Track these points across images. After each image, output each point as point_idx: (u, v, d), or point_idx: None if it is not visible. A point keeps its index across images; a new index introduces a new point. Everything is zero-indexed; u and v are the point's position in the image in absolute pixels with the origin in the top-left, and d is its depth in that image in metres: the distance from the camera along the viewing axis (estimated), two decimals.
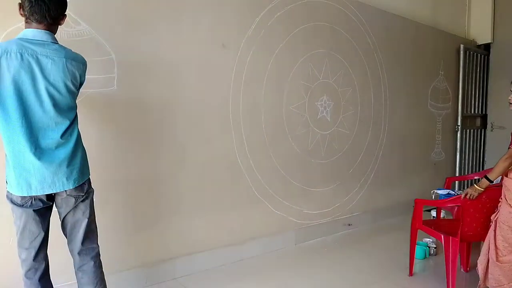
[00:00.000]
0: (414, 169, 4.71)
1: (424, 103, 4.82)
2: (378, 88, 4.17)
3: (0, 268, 2.01)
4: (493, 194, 2.45)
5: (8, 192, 1.57)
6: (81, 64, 1.67)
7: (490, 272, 2.29)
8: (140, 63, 2.48)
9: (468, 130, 5.39)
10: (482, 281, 2.37)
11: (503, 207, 2.28)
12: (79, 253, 1.71)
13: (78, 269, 1.73)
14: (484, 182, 2.41)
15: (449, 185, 3.58)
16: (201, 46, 2.71)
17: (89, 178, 1.77)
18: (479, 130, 5.63)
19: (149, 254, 2.57)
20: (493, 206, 2.43)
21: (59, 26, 1.67)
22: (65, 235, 1.73)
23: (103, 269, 1.82)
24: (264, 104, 3.13)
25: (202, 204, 2.81)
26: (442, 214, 3.43)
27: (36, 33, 1.51)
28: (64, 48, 1.61)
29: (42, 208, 1.60)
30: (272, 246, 3.25)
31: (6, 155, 1.53)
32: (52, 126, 1.53)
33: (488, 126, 5.57)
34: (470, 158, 5.47)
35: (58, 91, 1.54)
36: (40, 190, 1.53)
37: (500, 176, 3.26)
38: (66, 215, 1.68)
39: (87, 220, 1.71)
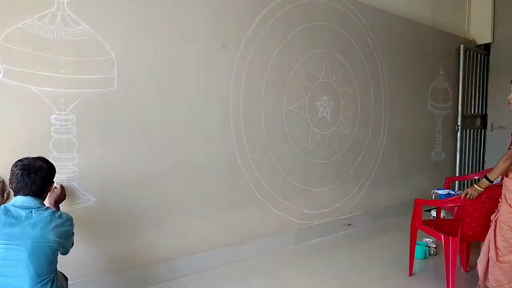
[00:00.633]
0: (414, 169, 4.71)
1: (424, 103, 4.82)
2: (378, 88, 4.17)
3: None
4: (493, 194, 2.45)
5: None
6: (64, 231, 1.67)
7: (490, 272, 2.30)
8: (140, 63, 2.48)
9: (468, 130, 5.39)
10: (482, 281, 2.37)
11: (503, 207, 2.28)
12: None
13: None
14: (484, 182, 2.41)
15: (449, 185, 3.58)
16: (201, 46, 2.71)
17: None
18: (479, 130, 5.63)
19: (149, 254, 2.57)
20: (493, 206, 2.43)
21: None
22: None
23: None
24: (264, 104, 3.13)
25: (202, 204, 2.81)
26: (442, 214, 3.43)
27: (24, 199, 1.62)
28: (51, 214, 1.63)
29: None
30: (272, 246, 3.25)
31: None
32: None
33: (488, 126, 5.57)
34: (470, 158, 5.47)
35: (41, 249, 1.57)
36: None
37: (500, 176, 3.26)
38: None
39: None
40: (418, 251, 3.02)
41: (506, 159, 2.42)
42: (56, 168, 1.81)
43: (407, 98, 4.54)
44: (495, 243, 2.26)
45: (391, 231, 3.89)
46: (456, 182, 5.05)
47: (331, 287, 2.64)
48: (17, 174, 1.62)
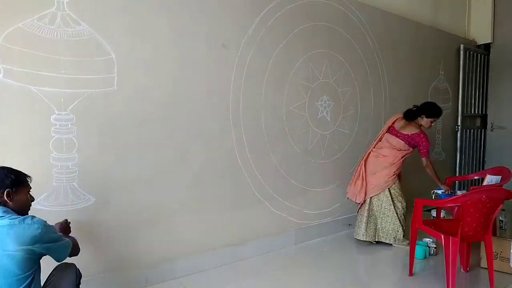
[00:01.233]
0: (414, 169, 4.70)
1: None
2: (378, 88, 4.17)
3: None
4: (493, 194, 2.45)
5: None
6: (30, 236, 1.52)
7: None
8: (140, 63, 2.48)
9: (468, 130, 5.39)
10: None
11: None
12: None
13: None
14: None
15: (449, 185, 3.58)
16: (201, 46, 2.71)
17: None
18: (479, 130, 5.63)
19: (149, 254, 2.57)
20: (493, 206, 2.43)
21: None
22: None
23: None
24: (264, 104, 3.13)
25: (202, 204, 2.81)
26: (442, 214, 3.43)
27: None
28: (11, 222, 1.50)
29: None
30: (272, 246, 3.25)
31: None
32: None
33: (488, 126, 5.57)
34: (470, 158, 5.47)
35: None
36: None
37: (500, 176, 3.26)
38: None
39: None
40: (418, 251, 3.01)
41: (427, 165, 3.39)
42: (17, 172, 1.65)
43: (407, 98, 4.53)
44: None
45: None
46: (456, 182, 5.05)
47: (331, 287, 2.64)
48: None
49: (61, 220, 2.02)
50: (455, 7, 5.41)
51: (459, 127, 5.19)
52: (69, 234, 1.97)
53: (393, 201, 3.35)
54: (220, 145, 2.89)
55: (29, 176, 1.69)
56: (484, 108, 5.64)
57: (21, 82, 2.06)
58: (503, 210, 3.07)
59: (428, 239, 3.22)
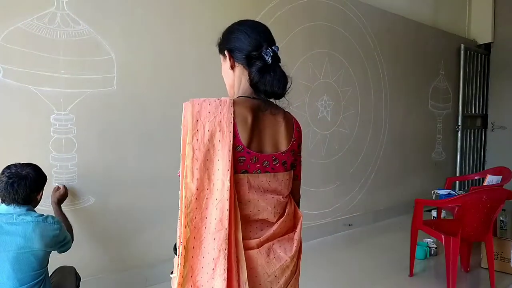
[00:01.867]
0: (414, 169, 4.71)
1: (424, 103, 4.81)
2: (379, 88, 4.17)
3: None
4: (494, 194, 2.44)
5: None
6: (51, 236, 1.60)
7: None
8: (140, 63, 2.47)
9: (468, 130, 5.38)
10: None
11: None
12: None
13: None
14: None
15: (449, 185, 3.58)
16: (201, 45, 2.71)
17: None
18: (480, 130, 5.62)
19: (149, 254, 2.57)
20: (494, 206, 2.42)
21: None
22: None
23: None
24: None
25: None
26: (442, 214, 3.43)
27: (8, 208, 1.58)
28: (35, 220, 1.56)
29: None
30: None
31: None
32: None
33: (489, 126, 5.56)
34: (471, 158, 5.46)
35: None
36: None
37: (501, 176, 3.26)
38: None
39: None
40: (419, 251, 3.01)
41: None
42: (45, 173, 1.72)
43: (408, 98, 4.54)
44: None
45: (391, 231, 3.88)
46: (457, 182, 5.04)
47: (331, 287, 2.63)
48: (2, 182, 1.56)
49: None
50: (455, 7, 5.40)
51: (460, 127, 5.18)
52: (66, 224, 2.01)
53: None
54: None
55: None
56: (485, 108, 5.63)
57: (20, 82, 2.06)
58: (503, 210, 3.07)
59: (428, 239, 3.21)
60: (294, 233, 1.10)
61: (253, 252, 0.97)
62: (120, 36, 2.38)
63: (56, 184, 2.19)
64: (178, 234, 0.93)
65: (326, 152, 3.66)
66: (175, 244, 0.99)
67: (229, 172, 0.91)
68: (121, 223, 2.44)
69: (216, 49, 1.16)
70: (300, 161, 1.15)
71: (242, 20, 1.11)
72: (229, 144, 0.92)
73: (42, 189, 1.69)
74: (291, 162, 1.07)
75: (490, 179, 3.29)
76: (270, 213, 1.01)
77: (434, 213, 3.71)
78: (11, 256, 1.48)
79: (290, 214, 1.09)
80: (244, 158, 0.96)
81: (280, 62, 1.05)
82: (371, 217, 4.12)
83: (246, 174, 0.96)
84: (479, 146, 5.61)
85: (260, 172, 0.98)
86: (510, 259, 2.71)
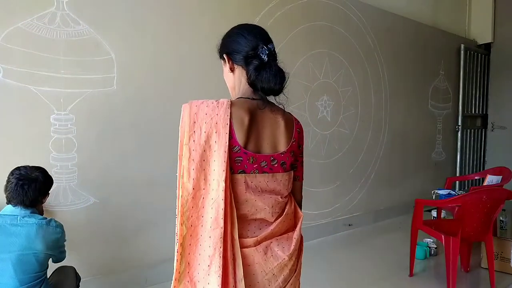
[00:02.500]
0: (414, 169, 4.71)
1: (424, 103, 4.81)
2: (379, 87, 4.17)
3: None
4: (494, 194, 2.44)
5: None
6: (53, 239, 1.62)
7: None
8: (140, 63, 2.47)
9: (468, 130, 5.38)
10: None
11: None
12: None
13: None
14: None
15: (449, 185, 3.58)
16: (201, 45, 2.71)
17: None
18: (480, 130, 5.62)
19: (149, 254, 2.56)
20: (494, 206, 2.42)
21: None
22: None
23: None
24: None
25: None
26: (442, 214, 3.43)
27: (13, 209, 1.59)
28: (39, 222, 1.58)
29: None
30: None
31: None
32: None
33: (489, 126, 5.56)
34: (471, 158, 5.46)
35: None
36: None
37: (501, 176, 3.26)
38: None
39: None
40: (419, 251, 3.01)
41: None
42: (52, 177, 1.75)
43: (408, 98, 4.54)
44: None
45: (391, 231, 3.88)
46: (457, 182, 5.04)
47: (331, 287, 2.63)
48: (12, 183, 1.57)
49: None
50: (455, 7, 5.40)
51: (460, 127, 5.18)
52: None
53: None
54: None
55: None
56: (485, 108, 5.63)
57: (20, 82, 2.06)
58: (503, 210, 3.07)
59: (428, 239, 3.21)
60: (294, 232, 1.10)
61: (250, 250, 0.99)
62: (120, 36, 2.38)
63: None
64: (176, 231, 0.96)
65: (326, 152, 3.66)
66: None
67: (224, 172, 0.93)
68: (121, 223, 2.44)
69: (216, 50, 1.17)
70: (302, 162, 1.16)
71: (240, 24, 1.13)
72: (225, 145, 0.94)
73: (48, 192, 1.72)
74: (291, 163, 1.07)
75: (490, 179, 3.29)
76: (268, 213, 1.02)
77: (434, 213, 3.71)
78: (14, 257, 1.49)
79: (289, 214, 1.09)
80: (241, 159, 0.97)
81: (276, 60, 1.06)
82: (371, 217, 4.12)
83: (243, 174, 0.97)
84: (479, 146, 5.61)
85: (258, 173, 0.99)
86: (510, 259, 2.71)
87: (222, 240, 0.93)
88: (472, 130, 5.47)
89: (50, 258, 1.66)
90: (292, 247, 1.07)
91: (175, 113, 2.82)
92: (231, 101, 0.99)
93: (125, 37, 2.40)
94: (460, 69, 5.15)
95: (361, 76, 3.94)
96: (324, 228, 3.65)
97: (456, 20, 5.41)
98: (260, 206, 1.00)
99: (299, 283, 1.13)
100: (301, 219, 1.13)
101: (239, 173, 0.97)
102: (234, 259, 0.96)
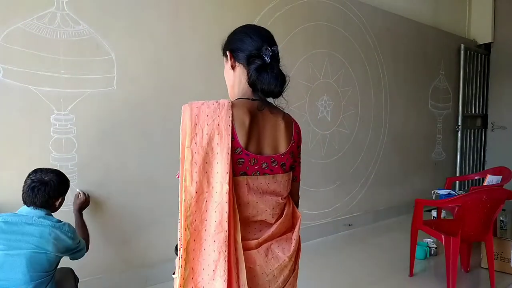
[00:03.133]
0: (414, 169, 4.71)
1: (424, 103, 4.81)
2: (379, 87, 4.17)
3: None
4: (494, 194, 2.44)
5: None
6: (63, 246, 1.68)
7: None
8: (140, 63, 2.47)
9: (468, 130, 5.38)
10: None
11: None
12: None
13: None
14: None
15: (449, 185, 3.58)
16: (201, 45, 2.71)
17: None
18: (480, 130, 5.62)
19: (149, 254, 2.57)
20: (494, 206, 2.42)
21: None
22: None
23: None
24: None
25: None
26: (442, 214, 3.43)
27: (28, 210, 1.65)
28: (52, 225, 1.63)
29: None
30: None
31: None
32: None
33: (489, 126, 5.56)
34: (471, 158, 5.46)
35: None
36: None
37: (501, 176, 3.26)
38: None
39: None
40: (419, 251, 3.01)
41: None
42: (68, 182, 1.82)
43: (408, 98, 4.53)
44: None
45: (391, 232, 3.88)
46: (457, 182, 5.04)
47: (331, 287, 2.63)
48: (26, 185, 1.65)
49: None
50: (455, 7, 5.40)
51: (460, 127, 5.18)
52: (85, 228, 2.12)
53: None
54: None
55: None
56: (485, 108, 5.63)
57: (20, 82, 2.06)
58: (503, 210, 3.07)
59: (428, 239, 3.21)
60: (293, 233, 1.10)
61: (252, 252, 0.98)
62: (120, 36, 2.38)
63: (77, 190, 2.22)
64: (178, 236, 0.94)
65: (326, 152, 3.66)
66: (176, 245, 0.99)
67: (227, 174, 0.92)
68: (121, 223, 2.44)
69: (216, 50, 1.17)
70: (300, 163, 1.15)
71: (246, 24, 1.14)
72: (227, 147, 0.93)
73: (63, 195, 1.77)
74: (290, 164, 1.07)
75: (490, 179, 3.29)
76: (269, 215, 1.02)
77: (434, 213, 3.71)
78: (27, 254, 1.54)
79: (288, 215, 1.09)
80: (243, 160, 0.96)
81: (279, 62, 1.05)
82: (371, 217, 4.12)
83: (245, 176, 0.97)
84: (479, 146, 5.61)
85: (259, 174, 0.99)
86: (510, 259, 2.72)
87: (227, 244, 0.91)
88: (472, 130, 5.47)
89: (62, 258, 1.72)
90: (292, 248, 1.07)
91: (175, 113, 2.82)
92: (232, 102, 0.99)
93: (125, 37, 2.40)
94: (460, 69, 5.15)
95: (361, 76, 3.94)
96: (324, 228, 3.65)
97: (456, 20, 5.41)
98: (261, 208, 1.00)
99: (297, 284, 1.13)
100: (299, 220, 1.12)
101: (241, 175, 0.96)
102: (237, 263, 0.94)
